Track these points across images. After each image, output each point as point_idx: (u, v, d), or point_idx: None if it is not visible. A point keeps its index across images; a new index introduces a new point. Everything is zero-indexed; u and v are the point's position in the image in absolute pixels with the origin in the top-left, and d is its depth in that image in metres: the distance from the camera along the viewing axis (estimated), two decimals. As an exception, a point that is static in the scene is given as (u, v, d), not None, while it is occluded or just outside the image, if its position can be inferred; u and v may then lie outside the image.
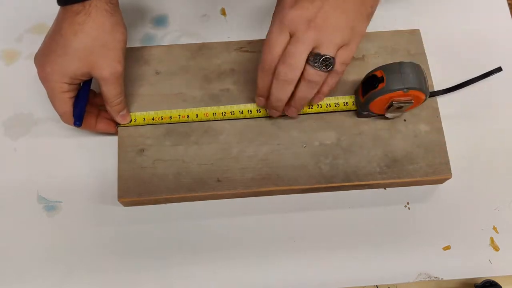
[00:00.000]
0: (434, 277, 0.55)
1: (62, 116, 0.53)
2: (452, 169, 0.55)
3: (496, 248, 0.56)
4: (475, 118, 0.61)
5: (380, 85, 0.52)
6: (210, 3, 0.65)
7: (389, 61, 0.52)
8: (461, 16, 0.65)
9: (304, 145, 0.56)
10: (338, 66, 0.49)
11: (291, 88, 0.50)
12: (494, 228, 0.57)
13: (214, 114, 0.56)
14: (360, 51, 0.60)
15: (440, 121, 0.57)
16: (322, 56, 0.48)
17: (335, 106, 0.56)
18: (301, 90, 0.51)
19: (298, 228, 0.56)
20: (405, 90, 0.51)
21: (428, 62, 0.59)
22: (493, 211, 0.57)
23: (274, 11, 0.50)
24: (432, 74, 0.59)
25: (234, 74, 0.59)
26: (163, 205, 0.57)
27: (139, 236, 0.56)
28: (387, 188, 0.58)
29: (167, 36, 0.64)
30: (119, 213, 0.56)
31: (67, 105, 0.52)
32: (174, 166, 0.55)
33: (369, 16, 0.50)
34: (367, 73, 0.55)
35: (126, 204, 0.56)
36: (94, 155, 0.58)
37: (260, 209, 0.57)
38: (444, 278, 0.55)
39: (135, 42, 0.63)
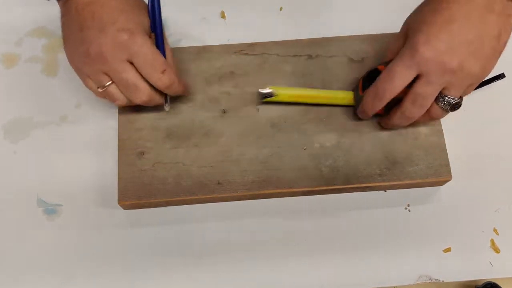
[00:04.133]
0: (435, 279, 0.55)
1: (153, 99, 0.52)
2: (452, 171, 0.55)
3: (497, 250, 0.56)
4: (475, 120, 0.61)
5: None
6: (209, 6, 0.66)
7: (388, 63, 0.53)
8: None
9: (304, 148, 0.56)
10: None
11: (411, 122, 0.52)
12: (495, 230, 0.57)
13: None
14: (360, 54, 0.60)
15: (440, 123, 0.57)
16: (452, 100, 0.49)
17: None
18: (416, 116, 0.51)
19: (298, 230, 0.56)
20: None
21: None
22: (493, 213, 0.57)
23: (406, 43, 0.48)
24: (431, 76, 0.59)
25: (234, 77, 0.59)
26: (163, 208, 0.57)
27: (139, 239, 0.56)
28: (387, 190, 0.58)
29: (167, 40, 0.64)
30: (119, 216, 0.56)
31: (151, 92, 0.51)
32: (174, 168, 0.55)
33: (500, 53, 0.48)
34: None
35: (126, 207, 0.56)
36: (94, 158, 0.58)
37: (261, 212, 0.57)
38: (445, 280, 0.55)
39: (135, 45, 0.63)
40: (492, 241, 0.56)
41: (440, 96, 0.49)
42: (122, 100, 0.51)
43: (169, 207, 0.57)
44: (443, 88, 0.48)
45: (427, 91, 0.48)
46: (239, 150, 0.56)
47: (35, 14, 0.64)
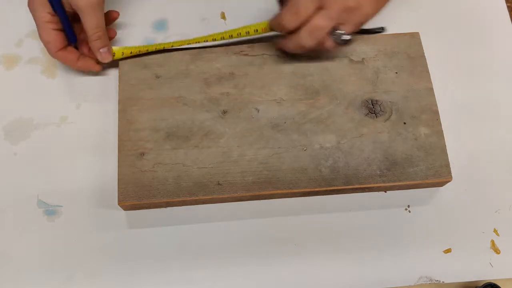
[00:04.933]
0: (435, 280, 0.55)
1: (47, 46, 0.56)
2: (452, 172, 0.55)
3: (497, 251, 0.56)
4: (476, 121, 0.61)
5: None
6: (209, 7, 0.66)
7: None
8: (460, 19, 0.66)
9: (305, 148, 0.56)
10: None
11: (303, 50, 0.55)
12: (495, 231, 0.57)
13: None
14: (360, 54, 0.60)
15: (440, 124, 0.57)
16: (345, 36, 0.53)
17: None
18: (308, 45, 0.54)
19: (298, 231, 0.56)
20: None
21: (428, 65, 0.60)
22: (493, 213, 0.57)
23: None
24: (432, 77, 0.59)
25: (234, 77, 0.59)
26: (163, 209, 0.57)
27: (139, 240, 0.56)
28: (387, 191, 0.58)
29: (167, 40, 0.64)
30: (119, 217, 0.56)
31: (51, 35, 0.55)
32: (174, 169, 0.55)
33: None
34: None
35: (126, 208, 0.56)
36: (94, 159, 0.58)
37: (261, 213, 0.57)
38: (445, 281, 0.55)
39: (135, 46, 0.63)
40: (493, 242, 0.56)
41: (334, 30, 0.52)
42: None
43: (169, 208, 0.57)
44: (338, 23, 0.52)
45: (324, 23, 0.52)
46: (239, 151, 0.56)
47: (35, 15, 0.65)
